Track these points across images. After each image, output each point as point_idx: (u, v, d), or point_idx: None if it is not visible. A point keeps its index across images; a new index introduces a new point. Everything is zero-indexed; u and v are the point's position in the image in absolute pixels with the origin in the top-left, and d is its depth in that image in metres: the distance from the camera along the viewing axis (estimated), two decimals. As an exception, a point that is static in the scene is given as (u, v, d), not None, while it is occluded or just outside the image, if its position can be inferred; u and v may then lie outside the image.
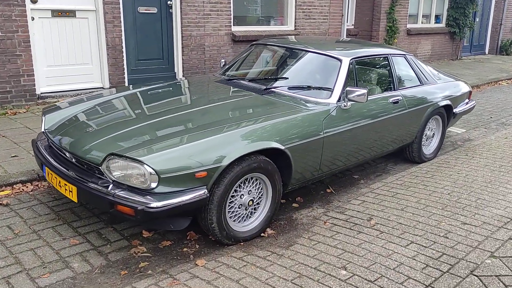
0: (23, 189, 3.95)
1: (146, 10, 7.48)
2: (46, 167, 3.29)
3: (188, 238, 3.31)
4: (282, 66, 4.43)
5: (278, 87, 3.98)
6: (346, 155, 3.92)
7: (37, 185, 4.06)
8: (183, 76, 8.02)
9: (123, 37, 7.20)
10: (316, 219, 3.58)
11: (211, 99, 3.87)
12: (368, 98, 3.74)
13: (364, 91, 3.65)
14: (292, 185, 3.58)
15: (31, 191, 3.95)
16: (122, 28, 7.17)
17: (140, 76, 7.65)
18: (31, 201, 3.76)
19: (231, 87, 4.13)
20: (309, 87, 3.92)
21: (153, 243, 3.22)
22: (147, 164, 2.72)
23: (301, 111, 3.56)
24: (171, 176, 2.76)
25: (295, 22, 9.45)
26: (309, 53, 4.25)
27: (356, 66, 4.11)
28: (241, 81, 4.24)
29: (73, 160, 3.17)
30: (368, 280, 2.61)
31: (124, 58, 7.30)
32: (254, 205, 3.30)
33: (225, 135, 3.05)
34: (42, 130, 3.54)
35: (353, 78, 4.03)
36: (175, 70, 8.06)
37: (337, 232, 3.30)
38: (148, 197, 2.77)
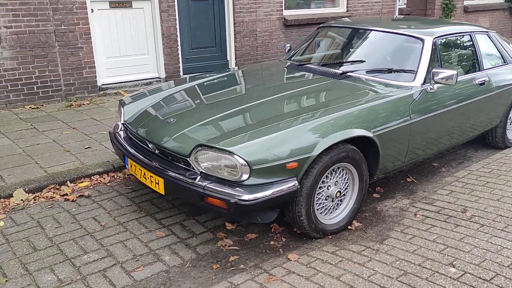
0: (100, 181, 3.97)
1: (199, -2, 7.39)
2: (128, 159, 3.26)
3: (272, 230, 3.21)
4: (355, 49, 4.23)
5: (355, 71, 3.80)
6: (431, 142, 3.71)
7: (113, 176, 4.07)
8: (235, 65, 7.92)
9: (177, 26, 7.15)
10: (404, 211, 3.41)
11: (286, 86, 3.73)
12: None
13: (453, 72, 3.43)
14: (377, 175, 3.41)
15: (108, 182, 3.96)
16: (176, 17, 7.12)
17: (194, 65, 7.60)
18: (110, 192, 3.76)
19: (304, 73, 3.98)
20: (390, 70, 3.72)
21: (238, 236, 3.15)
22: (238, 155, 2.63)
23: (386, 96, 3.38)
24: (262, 167, 2.66)
25: (347, 4, 9.15)
26: (386, 33, 4.03)
27: (439, 46, 3.86)
28: (313, 66, 4.08)
29: (156, 151, 3.12)
30: (483, 279, 2.44)
31: (179, 47, 7.26)
32: (341, 196, 3.16)
33: (314, 124, 2.92)
34: (122, 121, 3.51)
35: (436, 59, 3.79)
36: (228, 58, 7.97)
37: (431, 225, 3.13)
38: (238, 189, 2.68)
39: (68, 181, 3.89)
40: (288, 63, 4.39)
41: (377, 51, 4.06)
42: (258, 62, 8.13)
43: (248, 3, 7.76)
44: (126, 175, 4.09)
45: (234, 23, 7.72)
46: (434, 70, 3.54)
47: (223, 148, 2.68)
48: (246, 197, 2.63)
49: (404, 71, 3.70)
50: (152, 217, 3.37)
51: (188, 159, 2.84)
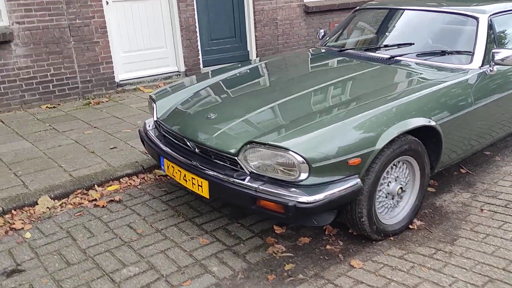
0: (130, 183, 3.68)
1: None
2: (165, 160, 2.97)
3: (326, 233, 2.91)
4: (399, 31, 3.88)
5: (404, 54, 3.46)
6: (492, 129, 3.37)
7: (143, 178, 3.78)
8: (256, 56, 7.58)
9: (196, 17, 6.83)
10: (467, 206, 3.09)
11: (330, 74, 3.40)
12: None
13: (517, 52, 3.08)
14: (438, 168, 3.08)
15: (139, 184, 3.68)
16: (195, 7, 6.79)
17: (214, 57, 7.29)
18: (143, 196, 3.48)
19: (347, 58, 3.65)
20: (443, 52, 3.37)
21: (290, 241, 2.85)
22: (295, 152, 2.32)
23: (445, 81, 3.04)
24: (322, 165, 2.35)
25: (368, -12, 8.73)
26: (433, 13, 3.68)
27: (495, 24, 3.50)
28: (356, 51, 3.74)
29: (197, 150, 2.82)
30: None
31: (198, 39, 6.94)
32: (402, 193, 2.84)
33: (374, 113, 2.60)
34: (155, 118, 3.21)
35: (492, 39, 3.44)
36: (248, 49, 7.64)
37: (503, 222, 2.81)
38: (295, 190, 2.38)
39: (95, 185, 3.61)
40: (325, 49, 4.06)
41: (424, 32, 3.70)
42: (279, 52, 7.80)
43: (267, -10, 7.41)
44: (157, 176, 3.80)
45: (254, 12, 7.37)
46: (494, 50, 3.20)
47: (278, 144, 2.37)
48: (305, 199, 2.32)
49: (459, 52, 3.35)
50: (192, 222, 3.08)
51: (236, 158, 2.54)
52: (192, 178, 2.75)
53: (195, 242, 2.84)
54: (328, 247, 2.77)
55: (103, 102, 5.88)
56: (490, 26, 3.42)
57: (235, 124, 2.72)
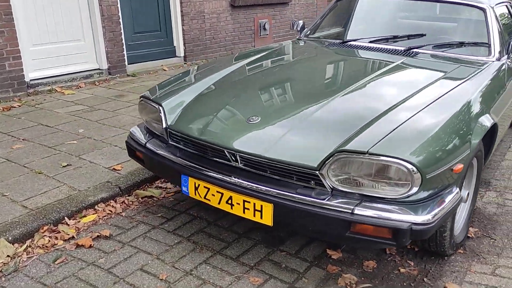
0: (110, 211, 2.84)
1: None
2: (191, 179, 2.27)
3: (388, 252, 2.49)
4: (400, 22, 3.62)
5: (420, 46, 3.19)
6: None
7: (123, 202, 2.96)
8: (184, 53, 6.86)
9: (119, 5, 5.90)
10: (504, 206, 2.93)
11: (365, 68, 2.96)
12: None
13: (540, 43, 3.01)
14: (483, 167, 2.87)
15: (122, 211, 2.86)
16: (118, -5, 5.85)
17: (137, 53, 6.43)
18: (137, 226, 2.69)
19: (359, 51, 3.25)
20: (461, 44, 3.18)
21: (354, 266, 2.37)
22: (407, 161, 1.85)
23: (484, 75, 2.81)
24: (434, 175, 1.92)
25: (287, -16, 8.54)
26: (438, 3, 3.49)
27: (498, 15, 3.42)
28: (363, 43, 3.35)
29: (240, 164, 2.18)
30: None
31: (122, 31, 6.01)
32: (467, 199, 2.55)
33: (461, 113, 2.25)
34: (164, 126, 2.45)
35: (500, 29, 3.34)
36: (175, 44, 6.89)
37: (559, 220, 2.67)
38: (402, 208, 1.91)
39: (65, 217, 2.70)
40: (319, 41, 3.61)
41: (432, 24, 3.49)
42: (207, 49, 7.18)
43: (194, -21, 6.75)
44: (140, 199, 3.01)
45: (181, 2, 6.65)
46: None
47: (385, 153, 1.87)
48: (422, 219, 1.87)
49: (477, 44, 3.19)
50: (223, 255, 2.42)
51: (317, 172, 1.97)
52: (245, 201, 2.11)
53: (245, 283, 2.20)
54: (401, 270, 2.35)
55: (15, 107, 4.70)
56: (496, 17, 3.33)
57: (296, 129, 2.14)
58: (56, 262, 2.35)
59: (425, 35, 3.30)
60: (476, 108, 2.37)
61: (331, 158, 1.94)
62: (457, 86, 2.51)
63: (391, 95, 2.42)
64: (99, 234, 2.58)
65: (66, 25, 5.55)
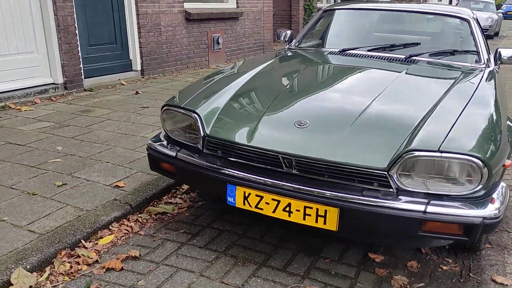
0: (127, 230, 2.62)
1: (94, -19, 5.90)
2: (240, 188, 2.15)
3: (423, 251, 2.53)
4: (390, 32, 3.77)
5: (418, 54, 3.34)
6: None
7: (137, 220, 2.74)
8: (141, 67, 6.62)
9: (75, 16, 5.56)
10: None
11: (379, 76, 3.00)
12: None
13: (522, 50, 3.29)
14: None
15: (140, 230, 2.64)
16: (73, 3, 5.53)
17: (93, 67, 6.10)
18: (163, 244, 2.49)
19: (367, 59, 3.29)
20: (454, 51, 3.38)
21: (399, 268, 2.37)
22: (478, 158, 1.90)
23: (485, 79, 3.00)
24: (496, 170, 1.99)
25: (236, 0, 8.63)
26: (427, 14, 3.69)
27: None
28: (362, 52, 3.43)
29: (294, 171, 2.11)
30: None
31: (79, 43, 5.67)
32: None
33: (499, 109, 2.38)
34: (202, 134, 2.30)
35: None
36: (131, 57, 6.62)
37: (561, 211, 2.89)
38: (469, 204, 1.95)
39: (81, 240, 2.44)
40: (320, 52, 3.61)
41: (421, 33, 3.68)
42: (164, 62, 6.98)
43: (151, -9, 6.56)
44: (153, 216, 2.80)
45: (138, 15, 6.43)
46: (500, 49, 3.35)
47: (456, 151, 1.91)
48: (493, 213, 1.92)
49: (468, 52, 3.40)
50: (269, 267, 2.31)
51: (386, 173, 1.96)
52: (306, 207, 2.04)
53: (306, 294, 2.12)
54: (444, 267, 2.40)
55: (-31, 125, 4.21)
56: (480, 27, 3.58)
57: (354, 131, 2.12)
58: (90, 290, 2.10)
59: (420, 44, 3.46)
60: (501, 109, 2.51)
61: (400, 158, 1.94)
62: (476, 89, 2.64)
63: (422, 97, 2.49)
64: (127, 256, 2.35)
65: (18, 36, 5.11)
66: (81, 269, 2.24)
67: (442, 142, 1.95)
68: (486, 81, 2.88)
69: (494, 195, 2.02)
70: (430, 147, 1.94)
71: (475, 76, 2.97)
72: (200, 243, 2.52)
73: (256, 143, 2.15)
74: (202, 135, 2.30)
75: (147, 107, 5.01)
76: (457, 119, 2.15)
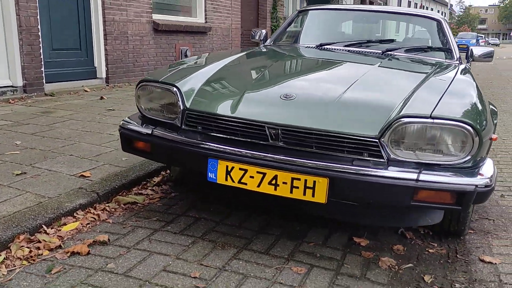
0: (94, 218, 2.40)
1: (60, -16, 5.74)
2: (222, 162, 2.01)
3: (408, 237, 2.45)
4: (366, 30, 3.79)
5: (394, 49, 3.34)
6: None
7: (104, 209, 2.53)
8: (106, 74, 6.41)
9: (38, 17, 5.35)
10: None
11: (363, 60, 2.96)
12: None
13: (492, 49, 3.37)
14: None
15: (108, 218, 2.43)
16: (37, 5, 5.33)
17: (55, 71, 5.86)
18: (134, 231, 2.29)
19: (347, 51, 3.26)
20: (429, 48, 3.41)
21: (383, 251, 2.27)
22: (470, 124, 1.84)
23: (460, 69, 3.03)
24: (485, 140, 1.95)
25: (205, 16, 8.63)
26: (399, 15, 3.74)
27: None
28: (339, 47, 3.40)
29: (280, 143, 2.00)
30: None
31: (41, 45, 5.43)
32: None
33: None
34: (182, 108, 2.15)
35: None
36: (96, 64, 6.42)
37: (537, 200, 2.90)
38: (459, 174, 1.89)
39: (43, 225, 2.21)
40: (297, 47, 3.56)
41: (396, 32, 3.72)
42: (130, 72, 6.80)
43: (118, -2, 6.44)
44: (123, 205, 2.60)
45: (104, 21, 6.27)
46: (472, 47, 3.42)
47: (448, 117, 1.86)
48: (485, 181, 1.86)
49: (441, 49, 3.45)
50: (250, 250, 2.16)
51: (377, 140, 1.88)
52: (294, 179, 1.92)
53: (290, 274, 1.97)
54: (430, 250, 2.32)
55: None
56: (449, 27, 3.66)
57: (342, 101, 2.04)
58: (52, 272, 1.87)
59: (395, 40, 3.48)
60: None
61: (392, 125, 1.87)
62: (456, 73, 2.64)
63: (407, 77, 2.47)
64: (95, 240, 2.14)
65: (-24, 34, 4.84)
66: (42, 254, 2.01)
67: (434, 109, 1.90)
68: (462, 71, 2.89)
69: (484, 167, 1.97)
70: (422, 113, 1.87)
71: (452, 67, 2.99)
72: (175, 230, 2.33)
73: (241, 114, 2.03)
74: (182, 108, 2.16)
75: (113, 110, 4.80)
76: (445, 91, 2.12)
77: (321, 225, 2.48)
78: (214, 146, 2.04)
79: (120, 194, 2.72)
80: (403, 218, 2.20)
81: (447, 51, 3.41)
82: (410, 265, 2.14)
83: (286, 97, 2.09)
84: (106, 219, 2.41)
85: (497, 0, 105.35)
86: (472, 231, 2.55)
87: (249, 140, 2.05)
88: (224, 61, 2.66)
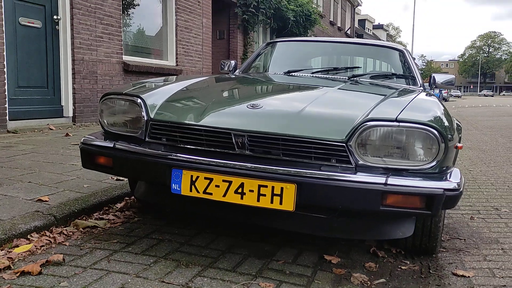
0: (49, 241, 2.25)
1: (29, 23, 5.73)
2: (187, 172, 1.93)
3: (380, 256, 2.38)
4: (333, 60, 3.87)
5: (359, 76, 3.41)
6: None
7: (62, 232, 2.38)
8: (73, 113, 6.30)
9: (4, 54, 5.29)
10: (452, 218, 3.10)
11: (330, 83, 3.00)
12: None
13: (453, 76, 3.49)
14: None
15: (65, 241, 2.28)
16: (4, 41, 5.28)
17: (20, 109, 5.72)
18: (92, 252, 2.14)
19: (314, 76, 3.30)
20: (393, 75, 3.50)
21: (355, 268, 2.18)
22: (435, 128, 1.84)
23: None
24: (450, 145, 1.95)
25: (176, 59, 8.74)
26: (363, 45, 3.86)
27: None
28: (306, 74, 3.45)
29: (247, 151, 1.95)
30: None
31: (6, 82, 5.33)
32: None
33: None
34: (146, 118, 2.09)
35: None
36: (63, 103, 6.32)
37: (502, 219, 2.91)
38: (426, 178, 1.86)
39: (-9, 246, 2.05)
40: (265, 74, 3.59)
41: (360, 61, 3.81)
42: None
43: (89, 38, 6.46)
44: (81, 229, 2.45)
45: (73, 60, 6.24)
46: (434, 74, 3.53)
47: (413, 120, 1.85)
48: (452, 185, 1.84)
49: (405, 76, 3.54)
50: (216, 268, 2.04)
51: (344, 144, 1.85)
52: (261, 186, 1.85)
53: (258, 290, 1.86)
54: (403, 267, 2.25)
55: None
56: (412, 57, 3.79)
57: (309, 109, 2.03)
58: (-2, 292, 1.71)
59: (361, 67, 3.57)
60: None
61: (358, 128, 1.85)
62: (420, 94, 2.68)
63: (372, 95, 2.50)
64: (48, 261, 1.98)
65: None
66: (-13, 275, 1.84)
67: (400, 113, 1.90)
68: (427, 94, 2.95)
69: (452, 173, 1.95)
70: (388, 117, 1.87)
71: (416, 92, 3.04)
72: (136, 250, 2.20)
73: (206, 122, 1.99)
74: (145, 119, 2.10)
75: (78, 144, 4.66)
76: (410, 102, 2.14)
77: (290, 245, 2.39)
78: (178, 156, 1.97)
79: (79, 218, 2.57)
80: (374, 231, 2.14)
81: (411, 78, 3.50)
82: (382, 280, 2.07)
83: (252, 106, 2.06)
84: (63, 241, 2.26)
85: (456, 56, 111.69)
86: (444, 249, 2.51)
87: (215, 149, 1.99)
88: (192, 80, 2.65)
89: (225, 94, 2.33)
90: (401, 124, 1.85)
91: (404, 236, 2.15)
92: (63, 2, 6.07)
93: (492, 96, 77.01)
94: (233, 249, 2.29)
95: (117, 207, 2.84)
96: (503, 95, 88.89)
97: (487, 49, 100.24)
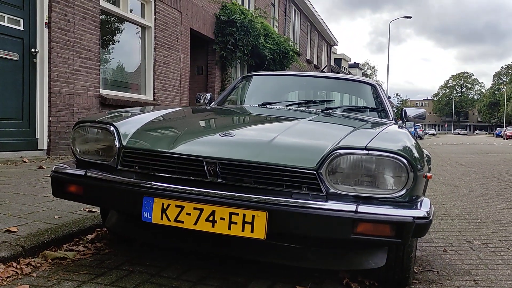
0: (16, 271, 2.17)
1: (6, 55, 5.72)
2: (158, 200, 1.93)
3: (345, 284, 2.37)
4: (307, 93, 3.96)
5: (333, 109, 3.48)
6: None
7: (29, 263, 2.31)
8: (47, 146, 6.21)
9: (-21, 85, 5.24)
10: (425, 250, 3.12)
11: (301, 114, 3.06)
12: None
13: (424, 110, 3.60)
14: None
15: (33, 272, 2.21)
16: (-21, 73, 5.24)
17: (-7, 141, 5.60)
18: (60, 283, 2.08)
19: (288, 108, 3.36)
20: (366, 108, 3.60)
21: (329, 299, 2.18)
22: (403, 156, 1.89)
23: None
24: (419, 174, 1.99)
25: (153, 93, 8.80)
26: (337, 80, 3.97)
27: None
28: (281, 106, 3.51)
29: (218, 180, 1.96)
30: None
31: (-21, 113, 5.26)
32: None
33: None
34: (118, 146, 2.09)
35: None
36: (37, 136, 6.24)
37: (480, 252, 2.94)
38: (396, 207, 1.89)
39: (-48, 278, 1.97)
40: (240, 106, 3.64)
41: (334, 95, 3.91)
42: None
43: (66, 72, 6.47)
44: (50, 260, 2.38)
45: (50, 93, 6.22)
46: (405, 108, 3.63)
47: (382, 148, 1.90)
48: (422, 213, 1.87)
49: (377, 110, 3.64)
50: (188, 299, 2.00)
51: (315, 172, 1.88)
52: (232, 214, 1.85)
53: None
54: (377, 297, 2.25)
55: None
56: (383, 91, 3.91)
57: (281, 137, 2.06)
58: (-44, 324, 1.64)
59: (334, 100, 3.66)
60: None
61: (329, 156, 1.88)
62: (390, 125, 2.75)
63: (343, 126, 2.55)
64: (12, 291, 1.92)
65: None
66: None
67: (369, 141, 1.95)
68: (398, 126, 3.03)
69: (422, 202, 1.99)
70: (358, 145, 1.92)
71: (388, 124, 3.12)
72: (105, 282, 2.14)
73: (179, 150, 1.99)
74: (118, 147, 2.10)
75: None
76: (380, 132, 2.19)
77: (264, 276, 2.36)
78: (150, 184, 1.96)
79: (48, 249, 2.50)
80: (346, 261, 2.14)
81: (383, 111, 3.59)
82: (356, 310, 2.05)
83: (225, 135, 2.08)
84: (30, 273, 2.19)
85: (430, 95, 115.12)
86: (417, 281, 2.52)
87: (187, 177, 1.99)
88: (168, 110, 2.68)
89: (199, 123, 2.36)
90: (370, 152, 1.89)
91: (377, 266, 2.16)
92: (41, 36, 6.09)
93: (466, 134, 79.11)
94: (205, 281, 2.25)
95: (87, 238, 2.78)
96: (477, 133, 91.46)
97: (460, 89, 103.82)
